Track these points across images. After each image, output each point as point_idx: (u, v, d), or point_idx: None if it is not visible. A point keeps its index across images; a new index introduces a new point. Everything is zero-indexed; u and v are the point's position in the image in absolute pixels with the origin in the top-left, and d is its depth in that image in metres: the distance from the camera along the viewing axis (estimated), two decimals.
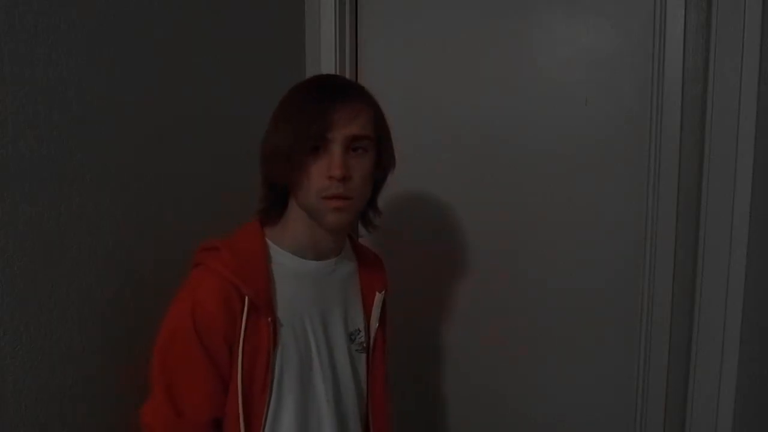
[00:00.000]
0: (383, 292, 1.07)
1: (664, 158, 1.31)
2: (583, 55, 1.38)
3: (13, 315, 0.85)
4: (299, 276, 0.98)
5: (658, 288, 1.35)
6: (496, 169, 1.47)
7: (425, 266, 1.55)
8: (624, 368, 1.41)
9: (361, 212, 1.03)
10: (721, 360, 1.25)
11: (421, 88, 1.52)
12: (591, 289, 1.42)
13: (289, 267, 0.97)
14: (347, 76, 1.54)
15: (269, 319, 0.91)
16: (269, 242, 0.97)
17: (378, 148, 0.96)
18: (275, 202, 0.98)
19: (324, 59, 1.51)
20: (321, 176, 0.90)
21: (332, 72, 1.50)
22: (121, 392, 0.98)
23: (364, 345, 1.05)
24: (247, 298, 0.89)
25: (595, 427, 1.45)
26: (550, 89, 1.41)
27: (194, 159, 1.20)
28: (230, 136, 1.27)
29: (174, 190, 1.15)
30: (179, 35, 1.15)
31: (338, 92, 0.93)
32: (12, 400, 0.85)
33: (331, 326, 1.00)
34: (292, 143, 0.89)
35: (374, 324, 1.06)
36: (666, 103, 1.30)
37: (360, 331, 1.04)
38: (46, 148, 0.88)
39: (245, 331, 0.89)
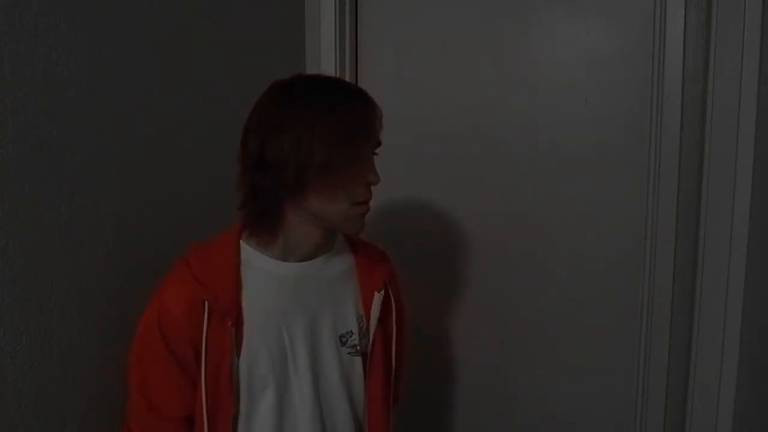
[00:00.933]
0: (382, 291, 1.03)
1: (664, 158, 1.31)
2: (583, 55, 1.38)
3: (13, 315, 0.85)
4: (278, 279, 0.96)
5: (658, 288, 1.35)
6: (496, 169, 1.47)
7: (425, 266, 1.55)
8: (624, 368, 1.41)
9: None
10: (721, 360, 1.25)
11: (421, 88, 1.52)
12: (591, 289, 1.42)
13: (266, 270, 0.95)
14: (347, 76, 1.54)
15: (229, 323, 0.90)
16: (246, 246, 0.95)
17: None
18: (268, 208, 0.93)
19: (324, 59, 1.51)
20: (359, 184, 0.91)
21: (332, 72, 1.50)
22: (121, 392, 0.98)
23: (358, 348, 1.01)
24: (206, 302, 0.89)
25: (595, 427, 1.45)
26: (550, 89, 1.41)
27: (194, 159, 1.20)
28: (230, 136, 1.27)
29: (174, 190, 1.15)
30: (179, 35, 1.15)
31: (370, 99, 0.94)
32: (12, 400, 0.85)
33: (316, 329, 0.97)
34: (356, 157, 0.89)
35: (373, 325, 1.02)
36: (666, 103, 1.30)
37: (352, 333, 1.00)
38: (46, 148, 0.88)
39: (207, 335, 0.89)
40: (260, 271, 0.95)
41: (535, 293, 1.47)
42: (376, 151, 0.94)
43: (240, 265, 0.94)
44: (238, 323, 0.91)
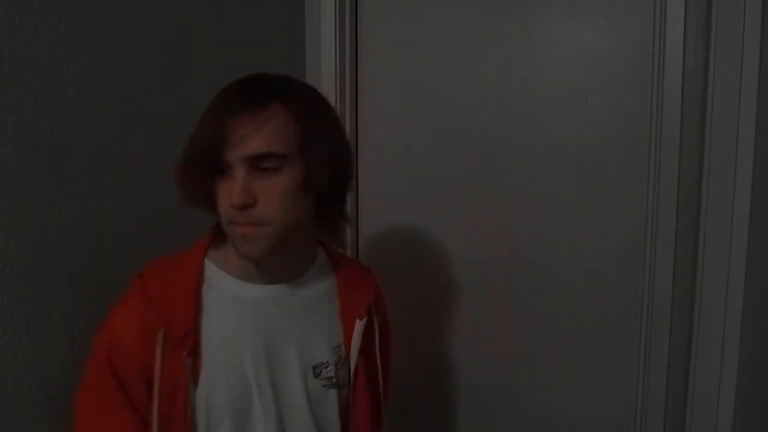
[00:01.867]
0: (365, 319, 0.92)
1: (664, 158, 1.31)
2: (583, 55, 1.38)
3: (13, 315, 0.85)
4: (241, 303, 0.87)
5: (658, 288, 1.35)
6: (496, 169, 1.47)
7: (424, 265, 1.55)
8: (624, 368, 1.41)
9: (319, 225, 0.90)
10: (721, 360, 1.25)
11: (421, 88, 1.51)
12: (591, 289, 1.42)
13: (229, 292, 0.86)
14: (347, 76, 1.54)
15: (185, 353, 0.80)
16: (210, 263, 0.88)
17: (305, 160, 0.81)
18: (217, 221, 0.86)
19: (324, 59, 1.51)
20: (223, 201, 0.80)
21: (332, 72, 1.50)
22: None
23: (334, 380, 0.90)
24: (160, 329, 0.81)
25: (595, 427, 1.45)
26: (550, 89, 1.41)
27: None
28: None
29: (174, 190, 1.15)
30: (179, 35, 1.15)
31: (238, 101, 0.80)
32: (12, 400, 0.85)
33: (283, 359, 0.87)
34: (190, 166, 0.80)
35: (354, 355, 0.92)
36: (666, 103, 1.30)
37: (328, 363, 0.90)
38: (46, 148, 0.88)
39: (162, 364, 0.80)
40: (223, 293, 0.86)
41: (534, 293, 1.47)
42: (266, 165, 0.79)
43: (202, 285, 0.85)
44: (195, 352, 0.82)
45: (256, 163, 0.78)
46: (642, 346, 1.38)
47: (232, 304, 0.86)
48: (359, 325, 0.92)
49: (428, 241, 1.55)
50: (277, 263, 0.87)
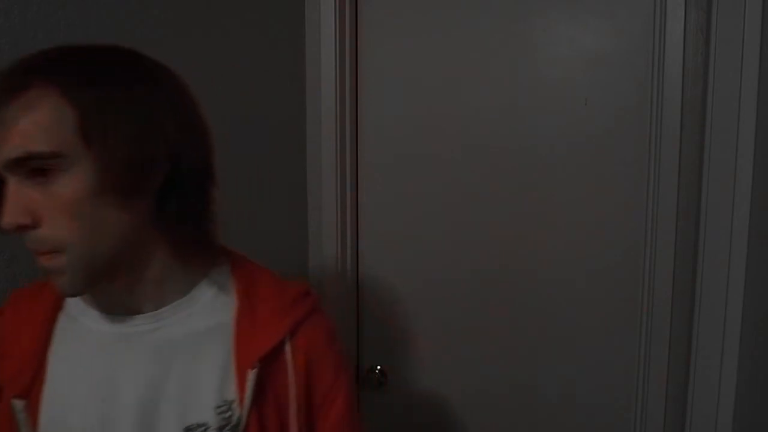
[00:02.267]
0: (256, 369, 0.69)
1: (664, 158, 1.31)
2: (583, 55, 1.38)
3: None
4: (91, 337, 0.70)
5: (658, 288, 1.35)
6: (496, 169, 1.47)
7: (422, 265, 1.55)
8: (624, 368, 1.41)
9: (167, 238, 0.69)
10: (721, 360, 1.25)
11: (421, 88, 1.52)
12: (591, 289, 1.42)
13: (81, 325, 0.70)
14: (347, 76, 1.54)
15: (12, 394, 0.67)
16: None
17: (94, 154, 0.60)
18: None
19: (324, 59, 1.51)
20: None
21: (332, 72, 1.50)
22: None
23: None
24: None
25: (595, 427, 1.46)
26: (550, 89, 1.41)
27: None
28: (229, 136, 1.27)
29: None
30: (179, 35, 1.15)
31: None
32: None
33: (146, 415, 0.68)
34: None
35: (244, 416, 0.69)
36: (666, 103, 1.30)
37: (207, 427, 0.68)
38: None
39: None
40: (77, 325, 0.71)
41: (534, 293, 1.47)
42: (37, 168, 0.59)
43: (58, 314, 0.71)
44: (31, 394, 0.67)
45: (26, 170, 0.59)
46: (642, 346, 1.38)
47: (81, 339, 0.70)
48: (251, 377, 0.69)
49: (426, 240, 1.55)
50: (121, 293, 0.69)
